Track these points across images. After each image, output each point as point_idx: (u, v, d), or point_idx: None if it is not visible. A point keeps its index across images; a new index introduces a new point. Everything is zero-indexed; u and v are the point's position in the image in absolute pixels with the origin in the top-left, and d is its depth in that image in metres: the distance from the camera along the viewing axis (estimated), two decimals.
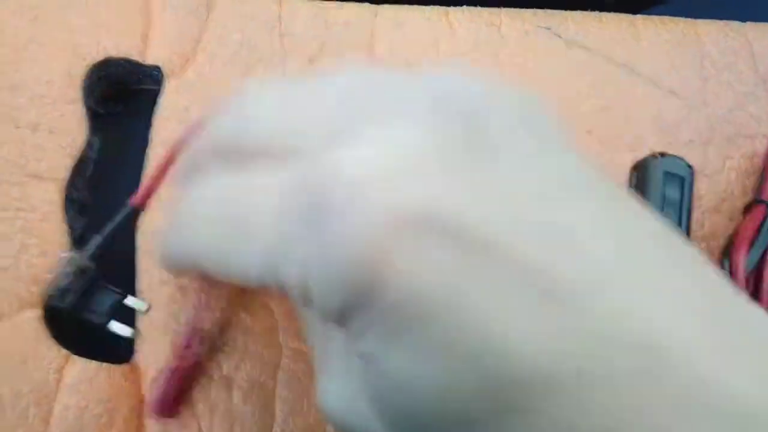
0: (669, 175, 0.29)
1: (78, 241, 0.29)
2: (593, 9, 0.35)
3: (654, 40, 0.34)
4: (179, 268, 0.23)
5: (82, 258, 0.28)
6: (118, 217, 0.27)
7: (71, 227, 0.29)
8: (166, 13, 0.32)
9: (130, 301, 0.28)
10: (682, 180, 0.29)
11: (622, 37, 0.34)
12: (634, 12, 0.35)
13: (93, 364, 0.27)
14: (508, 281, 0.15)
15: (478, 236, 0.15)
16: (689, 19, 0.35)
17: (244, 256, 0.18)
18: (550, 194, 0.16)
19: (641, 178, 0.30)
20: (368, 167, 0.16)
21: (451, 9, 0.34)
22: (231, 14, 0.33)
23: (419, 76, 0.18)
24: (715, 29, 0.34)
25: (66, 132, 0.30)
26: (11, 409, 0.25)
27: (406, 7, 0.34)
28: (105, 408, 0.26)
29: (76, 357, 0.27)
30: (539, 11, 0.35)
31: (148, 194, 0.27)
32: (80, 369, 0.26)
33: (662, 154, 0.29)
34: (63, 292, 0.27)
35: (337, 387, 0.18)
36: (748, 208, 0.29)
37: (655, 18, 0.35)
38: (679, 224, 0.29)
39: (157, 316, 0.28)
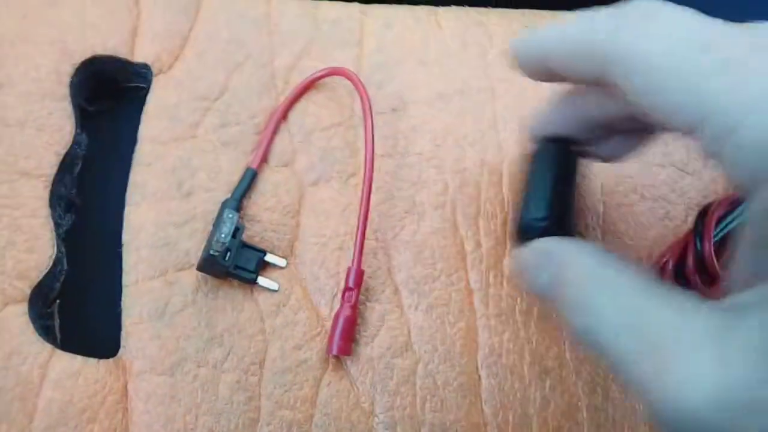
0: (550, 162, 0.26)
1: (65, 237, 0.29)
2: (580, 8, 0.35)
3: None
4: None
5: (239, 219, 0.28)
6: (244, 181, 0.30)
7: (58, 224, 0.29)
8: (154, 10, 0.32)
9: (270, 258, 0.29)
10: (565, 168, 0.26)
11: None
12: None
13: (78, 359, 0.27)
14: None
15: None
16: None
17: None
18: None
19: (531, 166, 0.28)
20: None
21: (440, 8, 0.35)
22: (220, 11, 0.33)
23: None
24: None
25: (54, 129, 0.30)
26: None
27: (395, 6, 0.34)
28: (89, 402, 0.26)
29: (60, 352, 0.27)
30: (527, 11, 0.35)
31: (264, 157, 0.30)
32: (65, 364, 0.26)
33: (553, 140, 0.27)
34: (225, 251, 0.27)
35: (716, 375, 0.14)
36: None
37: None
38: (566, 209, 0.27)
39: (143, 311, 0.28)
